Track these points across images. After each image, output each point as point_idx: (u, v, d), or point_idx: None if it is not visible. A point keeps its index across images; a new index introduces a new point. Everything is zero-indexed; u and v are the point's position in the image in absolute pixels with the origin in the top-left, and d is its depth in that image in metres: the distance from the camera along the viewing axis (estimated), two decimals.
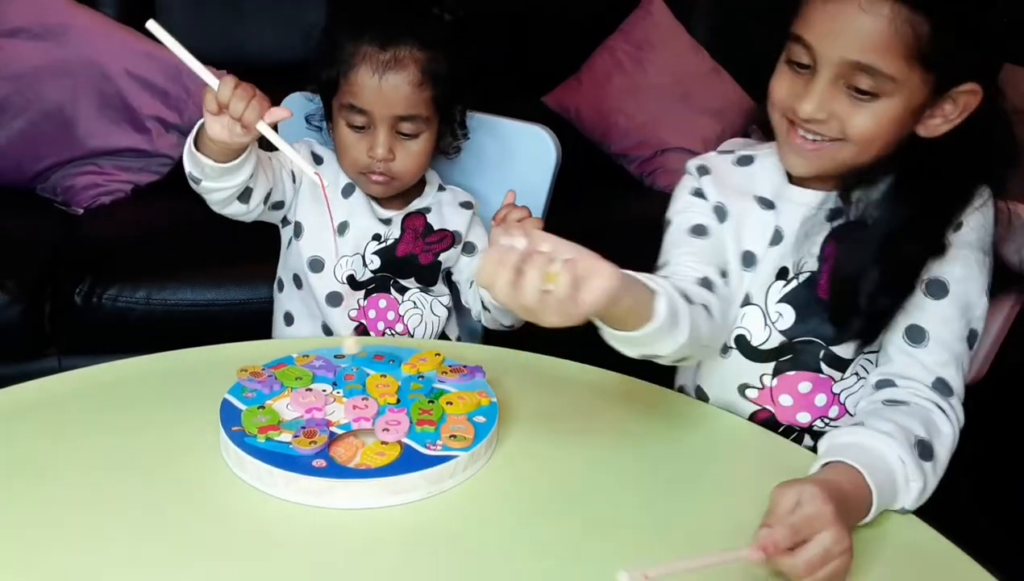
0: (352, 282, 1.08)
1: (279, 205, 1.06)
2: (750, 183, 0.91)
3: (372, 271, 1.09)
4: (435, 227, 1.11)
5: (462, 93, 1.06)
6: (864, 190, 0.83)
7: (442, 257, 1.11)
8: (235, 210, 1.00)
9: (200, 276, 1.48)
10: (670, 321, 0.69)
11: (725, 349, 0.91)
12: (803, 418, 0.90)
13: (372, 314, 1.10)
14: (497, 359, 0.93)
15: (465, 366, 0.85)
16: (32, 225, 1.62)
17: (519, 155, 1.20)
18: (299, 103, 1.17)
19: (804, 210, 0.86)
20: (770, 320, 0.88)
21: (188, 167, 0.94)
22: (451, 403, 0.79)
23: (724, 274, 0.88)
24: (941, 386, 0.80)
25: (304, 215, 1.07)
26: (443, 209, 1.12)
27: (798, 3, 0.78)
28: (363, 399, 0.79)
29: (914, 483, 0.73)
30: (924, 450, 0.75)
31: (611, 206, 1.92)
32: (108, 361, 0.89)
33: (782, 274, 0.87)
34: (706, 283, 0.85)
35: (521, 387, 0.87)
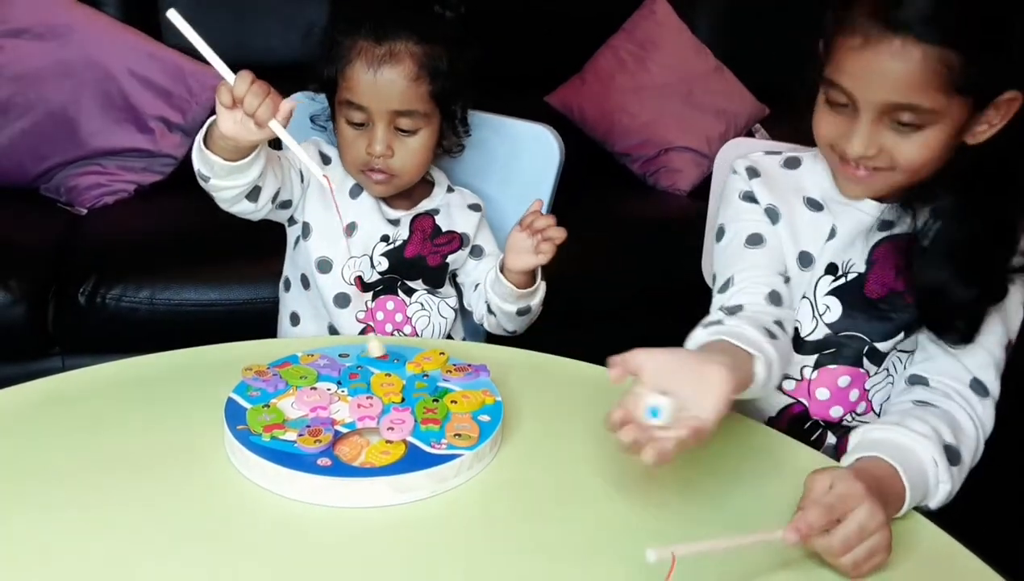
0: (360, 283, 1.08)
1: (287, 204, 1.06)
2: (798, 185, 0.92)
3: (380, 273, 1.08)
4: (443, 229, 1.11)
5: (463, 90, 1.06)
6: (923, 204, 0.84)
7: (449, 259, 1.11)
8: (243, 209, 1.00)
9: (204, 276, 1.48)
10: (765, 380, 0.75)
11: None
12: (836, 412, 0.91)
13: (380, 316, 1.09)
14: (502, 358, 0.93)
15: (470, 365, 0.85)
16: (35, 225, 1.62)
17: (523, 154, 1.19)
18: (302, 103, 1.17)
19: (859, 214, 0.88)
20: (818, 312, 0.89)
21: (197, 165, 0.93)
22: (456, 402, 0.79)
23: (787, 278, 0.90)
24: (978, 387, 0.82)
25: (312, 215, 1.07)
26: (452, 211, 1.12)
27: (829, 48, 0.79)
28: (368, 398, 0.79)
29: (944, 485, 0.74)
30: (952, 454, 0.76)
31: (614, 205, 1.92)
32: (112, 361, 0.89)
33: (831, 269, 0.90)
34: (774, 297, 0.87)
35: (526, 386, 0.87)
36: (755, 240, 0.90)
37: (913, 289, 0.85)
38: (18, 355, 1.45)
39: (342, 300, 1.08)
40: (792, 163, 0.94)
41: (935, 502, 0.75)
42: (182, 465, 0.74)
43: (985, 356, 0.82)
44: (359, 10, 1.01)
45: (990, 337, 0.82)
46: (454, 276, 1.15)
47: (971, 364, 0.82)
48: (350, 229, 1.07)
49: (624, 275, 1.72)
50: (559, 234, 0.99)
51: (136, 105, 1.78)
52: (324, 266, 1.07)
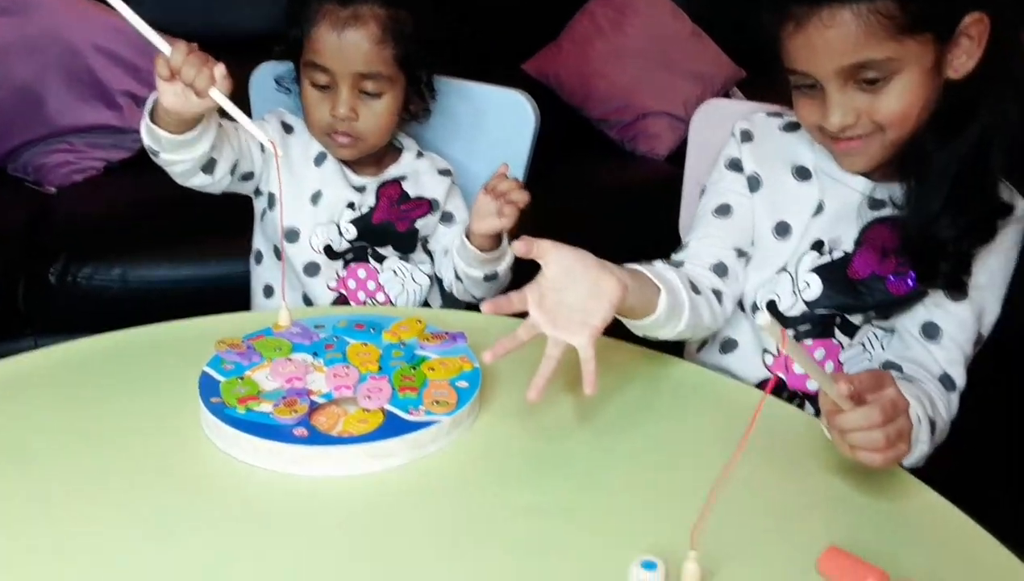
0: (329, 252, 1.07)
1: (248, 176, 1.05)
2: (792, 150, 0.92)
3: (349, 241, 1.07)
4: (411, 195, 1.09)
5: (429, 55, 1.05)
6: (917, 168, 0.82)
7: (419, 224, 1.10)
8: (200, 182, 0.99)
9: (177, 252, 1.46)
10: (668, 314, 0.78)
11: (755, 311, 0.92)
12: (813, 385, 0.92)
13: (352, 284, 1.08)
14: (480, 325, 0.92)
15: (447, 332, 0.84)
16: (3, 205, 1.59)
17: (498, 122, 1.18)
18: (270, 72, 1.15)
19: (849, 191, 0.88)
20: (798, 288, 0.89)
21: (146, 140, 0.93)
22: (433, 369, 0.78)
23: (742, 253, 0.92)
24: (947, 381, 0.83)
25: (276, 186, 1.06)
26: (420, 177, 1.11)
27: (777, 42, 0.80)
28: (344, 367, 0.78)
29: (922, 445, 0.75)
30: (930, 424, 0.77)
31: (592, 172, 1.91)
32: None
33: (817, 246, 0.89)
34: (719, 269, 0.90)
35: None
36: (723, 210, 0.92)
37: (898, 270, 0.85)
38: None
39: (312, 269, 1.07)
40: (792, 127, 0.93)
41: (912, 460, 0.75)
42: (157, 439, 0.73)
43: (956, 352, 0.84)
44: None
45: (963, 334, 0.84)
46: (427, 242, 1.13)
47: (942, 358, 0.84)
48: (315, 197, 1.06)
49: (602, 241, 1.71)
50: (522, 197, 0.97)
51: (103, 80, 1.74)
52: (291, 236, 1.06)
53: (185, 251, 1.47)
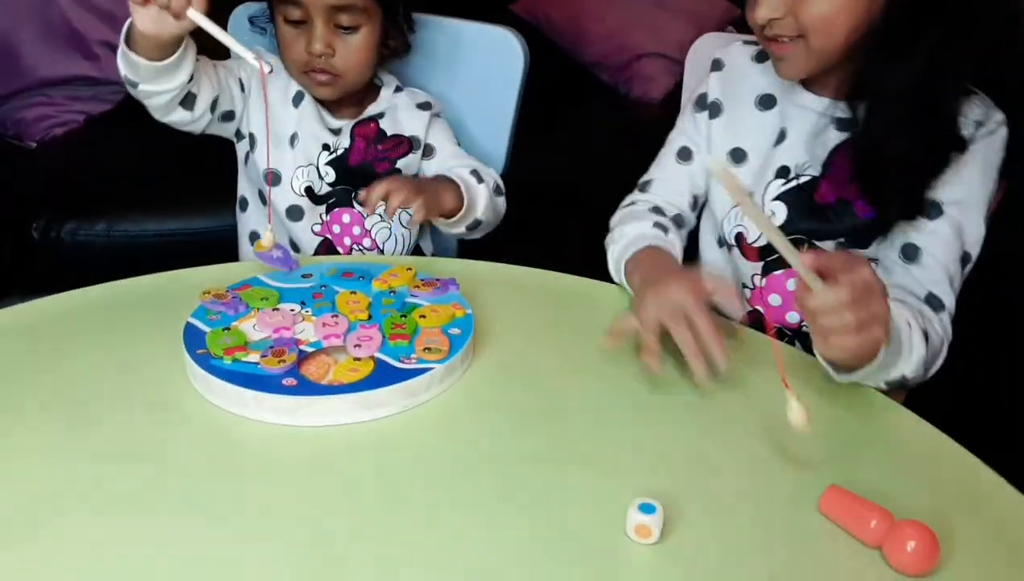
0: (311, 195, 1.04)
1: (229, 115, 1.02)
2: (759, 79, 0.91)
3: (329, 184, 1.04)
4: (389, 133, 1.06)
5: None
6: (869, 88, 0.80)
7: (400, 164, 1.06)
8: (180, 118, 0.96)
9: (161, 205, 1.43)
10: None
11: (728, 247, 0.92)
12: (792, 318, 0.90)
13: (336, 229, 1.06)
14: (473, 272, 0.90)
15: (438, 279, 0.82)
16: None
17: (485, 61, 1.15)
18: (245, 14, 1.11)
19: (810, 115, 0.86)
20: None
21: (123, 70, 0.90)
22: (424, 316, 0.77)
23: (696, 201, 0.96)
24: (933, 300, 0.80)
25: (258, 127, 1.03)
26: (398, 113, 1.07)
27: None
28: (333, 317, 0.76)
29: (917, 351, 0.72)
30: (921, 333, 0.74)
31: (586, 116, 1.87)
32: None
33: (782, 172, 0.88)
34: (678, 220, 0.94)
35: (498, 299, 0.85)
36: (685, 154, 0.95)
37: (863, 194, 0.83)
38: None
39: (296, 213, 1.04)
40: (763, 57, 0.92)
41: (910, 368, 0.71)
42: (144, 392, 0.71)
43: (939, 271, 0.80)
44: None
45: (944, 251, 0.80)
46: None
47: (925, 279, 0.81)
48: (292, 139, 1.03)
49: (597, 185, 1.68)
50: (396, 200, 0.88)
51: (79, 30, 1.69)
52: (274, 180, 1.03)
53: (171, 204, 1.44)
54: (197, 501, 0.60)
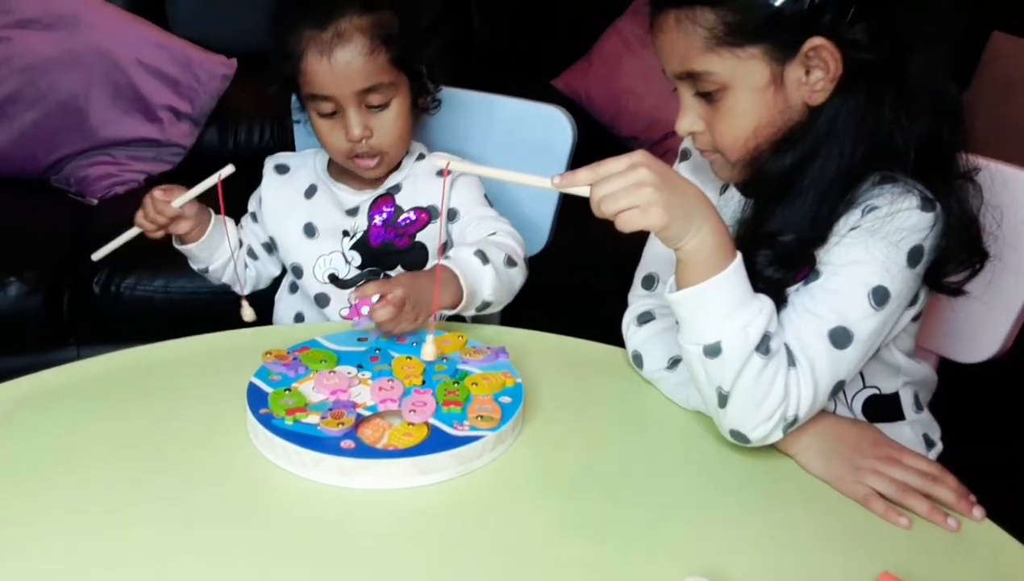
0: (336, 281, 1.06)
1: (270, 245, 1.12)
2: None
3: (357, 267, 1.05)
4: (405, 207, 1.05)
5: (423, 45, 1.02)
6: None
7: (420, 237, 1.05)
8: (258, 272, 1.12)
9: None
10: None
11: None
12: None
13: (365, 310, 0.98)
14: (520, 341, 0.93)
15: (488, 347, 0.85)
16: (48, 216, 1.63)
17: (534, 137, 1.18)
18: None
19: (734, 206, 0.85)
20: None
21: (193, 266, 1.10)
22: (476, 384, 0.79)
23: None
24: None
25: (274, 229, 1.09)
26: (417, 182, 1.06)
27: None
28: (388, 381, 0.79)
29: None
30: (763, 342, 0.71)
31: None
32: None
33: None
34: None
35: (544, 368, 0.87)
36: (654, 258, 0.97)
37: None
38: (34, 345, 1.46)
39: (323, 299, 1.07)
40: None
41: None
42: (205, 450, 0.74)
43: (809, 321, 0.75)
44: (294, 2, 0.98)
45: (800, 320, 0.75)
46: (447, 247, 1.05)
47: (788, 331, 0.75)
48: (310, 230, 1.07)
49: (634, 257, 1.71)
50: (382, 314, 0.84)
51: (145, 95, 1.78)
52: (297, 271, 1.07)
53: None
54: (255, 558, 0.62)
